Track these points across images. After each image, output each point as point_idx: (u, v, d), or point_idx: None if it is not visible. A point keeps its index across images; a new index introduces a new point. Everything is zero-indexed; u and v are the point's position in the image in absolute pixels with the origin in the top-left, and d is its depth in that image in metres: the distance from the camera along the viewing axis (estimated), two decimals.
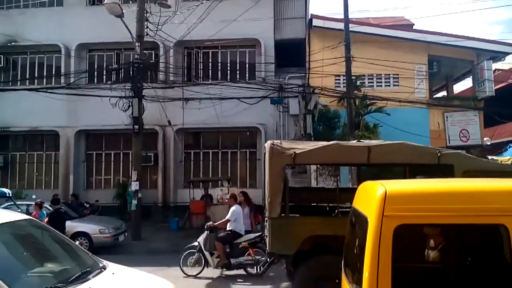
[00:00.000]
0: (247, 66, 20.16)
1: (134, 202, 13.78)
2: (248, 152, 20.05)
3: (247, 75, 19.97)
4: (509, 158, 27.33)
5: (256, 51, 19.87)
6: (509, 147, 29.93)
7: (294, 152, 6.80)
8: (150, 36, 14.67)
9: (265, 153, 8.02)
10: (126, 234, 13.17)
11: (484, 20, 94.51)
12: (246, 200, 10.81)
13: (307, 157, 7.00)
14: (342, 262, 4.56)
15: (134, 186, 13.94)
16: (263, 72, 18.73)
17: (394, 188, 3.53)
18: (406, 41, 17.62)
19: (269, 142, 7.17)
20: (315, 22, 17.45)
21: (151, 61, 18.47)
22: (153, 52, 19.48)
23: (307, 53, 17.68)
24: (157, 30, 14.68)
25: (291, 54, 18.77)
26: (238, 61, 20.27)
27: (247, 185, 19.44)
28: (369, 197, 3.72)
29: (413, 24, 21.51)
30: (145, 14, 14.50)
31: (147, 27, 14.57)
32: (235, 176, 19.46)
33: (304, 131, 16.49)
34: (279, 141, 7.33)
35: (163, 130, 19.47)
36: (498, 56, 18.80)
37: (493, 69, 19.52)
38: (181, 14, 15.97)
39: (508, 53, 18.75)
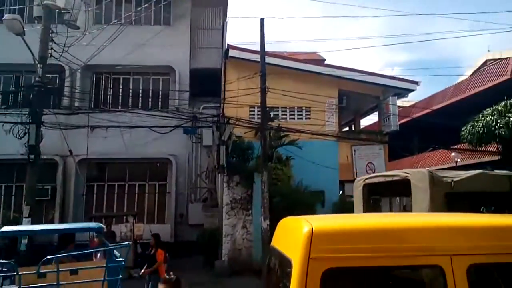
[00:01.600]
0: (160, 94, 19.49)
1: (24, 241, 12.07)
2: (157, 185, 19.09)
3: (159, 103, 19.27)
4: None
5: (170, 79, 19.31)
6: None
7: (452, 180, 6.84)
8: (54, 58, 13.51)
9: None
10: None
11: (384, 62, 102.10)
12: (156, 243, 9.71)
13: (464, 185, 6.91)
14: None
15: (26, 223, 12.34)
16: (176, 101, 18.16)
17: (322, 225, 3.11)
18: (318, 75, 18.07)
19: (424, 170, 7.05)
20: (232, 53, 17.34)
21: (55, 85, 17.16)
22: (57, 75, 18.15)
23: (223, 83, 17.47)
24: (62, 52, 13.59)
25: (206, 83, 18.49)
26: (151, 89, 19.54)
27: (155, 220, 18.47)
28: (293, 235, 3.26)
29: (325, 60, 22.28)
30: (50, 34, 13.39)
31: (52, 48, 13.43)
32: (142, 211, 18.37)
33: (217, 162, 16.05)
34: (429, 168, 7.25)
35: (63, 161, 17.96)
36: (402, 93, 19.89)
37: (397, 104, 20.56)
38: (90, 35, 15.04)
39: (411, 90, 19.91)
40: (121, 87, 19.58)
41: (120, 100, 19.26)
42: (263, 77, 14.58)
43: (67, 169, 18.11)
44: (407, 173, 7.29)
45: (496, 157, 21.08)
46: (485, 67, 28.57)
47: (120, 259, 7.47)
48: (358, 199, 8.51)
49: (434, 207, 6.59)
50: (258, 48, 15.18)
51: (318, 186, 16.07)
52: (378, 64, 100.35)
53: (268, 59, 15.76)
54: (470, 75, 29.60)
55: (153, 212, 18.82)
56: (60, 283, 6.89)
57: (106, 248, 7.73)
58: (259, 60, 14.93)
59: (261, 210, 14.01)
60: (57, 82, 18.10)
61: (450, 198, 6.83)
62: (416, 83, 19.51)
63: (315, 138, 16.69)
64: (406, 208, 10.51)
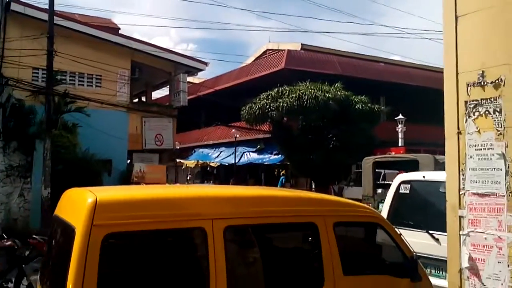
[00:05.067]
0: None
1: None
2: None
3: None
4: (194, 162, 31.06)
5: None
6: (194, 152, 33.96)
7: (444, 161, 9.60)
8: None
9: None
10: None
11: (180, 38, 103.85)
12: None
13: None
14: (39, 277, 4.26)
15: None
16: None
17: (105, 195, 3.51)
18: (112, 44, 17.75)
19: (429, 155, 9.65)
20: (14, 7, 15.60)
21: None
22: None
23: (2, 40, 15.68)
24: None
25: None
26: None
27: None
28: (77, 205, 3.57)
29: (119, 29, 21.85)
30: None
31: None
32: None
33: None
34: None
35: None
36: (192, 71, 21.00)
37: (187, 81, 21.68)
38: None
39: (200, 70, 21.20)
40: None
41: None
42: (51, 39, 13.73)
43: None
44: (415, 156, 10.35)
45: (268, 135, 24.20)
46: (265, 56, 31.98)
47: None
48: (367, 172, 11.69)
49: None
50: (46, 6, 14.18)
51: (106, 155, 16.00)
52: (175, 39, 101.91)
53: (58, 20, 14.86)
54: (252, 61, 32.75)
55: None
56: None
57: None
58: (47, 19, 13.99)
59: (42, 178, 13.41)
60: None
61: None
62: (205, 63, 20.91)
63: (105, 107, 16.51)
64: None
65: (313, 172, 20.95)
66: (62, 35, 14.84)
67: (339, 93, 20.46)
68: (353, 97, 20.92)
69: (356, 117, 20.32)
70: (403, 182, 6.89)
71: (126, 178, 16.68)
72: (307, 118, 20.59)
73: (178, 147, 27.67)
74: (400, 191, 6.82)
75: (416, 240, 5.81)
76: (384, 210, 6.92)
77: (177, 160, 28.06)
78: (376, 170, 12.88)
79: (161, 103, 24.24)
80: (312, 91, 20.10)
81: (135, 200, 3.68)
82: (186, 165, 30.86)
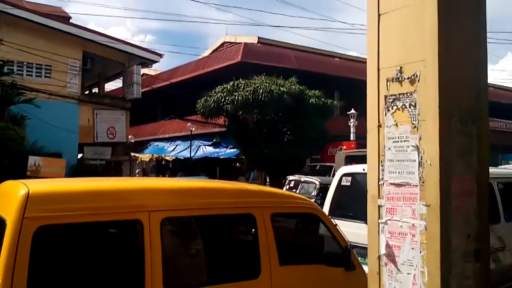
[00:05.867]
0: None
1: None
2: None
3: None
4: (149, 155, 30.66)
5: None
6: (149, 145, 33.49)
7: None
8: None
9: None
10: None
11: (139, 27, 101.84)
12: None
13: None
14: None
15: None
16: None
17: (38, 188, 3.45)
18: (62, 33, 17.27)
19: None
20: None
21: None
22: None
23: None
24: None
25: None
26: None
27: None
28: (9, 198, 3.48)
29: (70, 18, 21.24)
30: None
31: None
32: None
33: None
34: None
35: None
36: (146, 62, 20.72)
37: (142, 73, 21.38)
38: None
39: (155, 61, 20.93)
40: None
41: None
42: None
43: None
44: None
45: (223, 129, 24.20)
46: (222, 48, 31.85)
47: None
48: (339, 165, 11.23)
49: None
50: None
51: (56, 148, 15.57)
52: (132, 30, 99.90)
53: (3, 7, 14.33)
54: (209, 54, 32.55)
55: None
56: None
57: None
58: None
59: None
60: None
61: None
62: (160, 55, 20.69)
63: (54, 99, 16.07)
64: None
65: (267, 166, 21.14)
66: (8, 22, 14.30)
67: (293, 87, 20.69)
68: (307, 91, 21.20)
69: (309, 112, 20.60)
70: (345, 174, 7.07)
71: (78, 172, 16.28)
72: (262, 112, 20.72)
73: (132, 141, 27.24)
74: (342, 183, 7.01)
75: (357, 231, 5.99)
76: (327, 202, 7.10)
77: (132, 154, 27.64)
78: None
79: (114, 95, 23.79)
80: (267, 84, 20.23)
81: (70, 192, 3.64)
82: (140, 159, 30.43)
